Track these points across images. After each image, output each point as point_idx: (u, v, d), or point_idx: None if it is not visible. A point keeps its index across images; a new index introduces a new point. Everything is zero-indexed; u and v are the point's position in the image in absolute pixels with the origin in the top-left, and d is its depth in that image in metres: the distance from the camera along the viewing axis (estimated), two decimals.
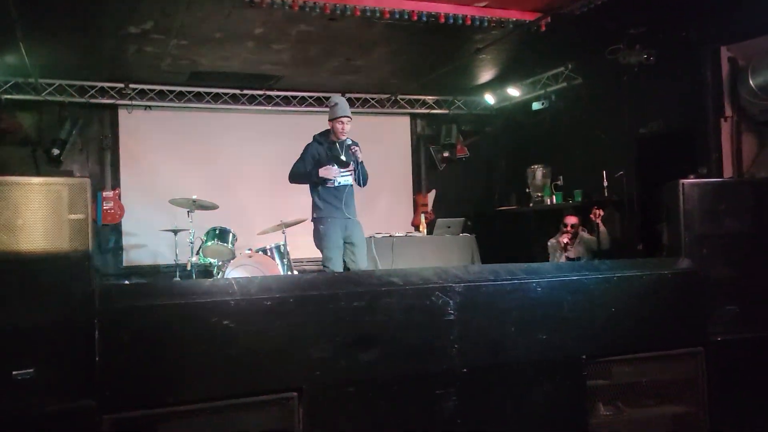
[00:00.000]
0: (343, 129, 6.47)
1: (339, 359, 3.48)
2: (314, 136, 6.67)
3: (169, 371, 3.19)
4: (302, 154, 6.57)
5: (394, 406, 3.61)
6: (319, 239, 6.52)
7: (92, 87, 9.41)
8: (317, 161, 6.49)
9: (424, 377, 3.69)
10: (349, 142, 6.47)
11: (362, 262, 6.58)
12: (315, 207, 6.56)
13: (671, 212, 4.68)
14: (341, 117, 6.45)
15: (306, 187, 6.67)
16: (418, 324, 3.69)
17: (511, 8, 7.02)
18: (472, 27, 7.08)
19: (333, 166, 6.43)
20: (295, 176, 6.56)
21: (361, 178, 6.60)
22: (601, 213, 7.93)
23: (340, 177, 6.50)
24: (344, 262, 6.58)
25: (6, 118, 9.03)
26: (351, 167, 6.50)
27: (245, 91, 10.11)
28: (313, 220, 6.59)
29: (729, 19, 6.90)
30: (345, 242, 6.55)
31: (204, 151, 10.07)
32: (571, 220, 8.16)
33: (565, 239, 8.16)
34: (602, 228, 7.97)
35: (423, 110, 11.27)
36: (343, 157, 6.48)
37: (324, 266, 6.52)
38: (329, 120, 6.55)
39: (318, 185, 6.49)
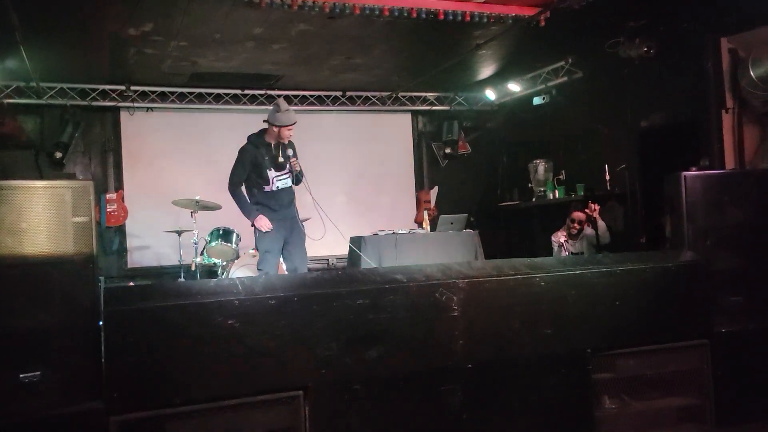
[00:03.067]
0: (290, 136, 6.41)
1: (344, 357, 3.50)
2: (250, 138, 6.53)
3: (176, 372, 3.21)
4: (239, 159, 6.42)
5: (399, 403, 3.62)
6: (257, 241, 6.53)
7: (93, 90, 9.42)
8: (255, 166, 6.39)
9: (430, 373, 3.70)
10: (290, 153, 6.41)
11: (301, 262, 6.56)
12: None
13: (674, 205, 4.68)
14: (291, 125, 6.37)
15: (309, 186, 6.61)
16: (422, 321, 3.70)
17: (511, 3, 7.01)
18: (472, 23, 7.07)
19: (263, 217, 6.38)
20: (233, 193, 6.43)
21: (296, 180, 6.60)
22: (598, 207, 7.93)
23: (278, 181, 6.47)
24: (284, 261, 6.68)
25: (8, 122, 9.04)
26: (288, 169, 6.47)
27: (246, 91, 10.11)
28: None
29: (729, 10, 6.88)
30: (285, 244, 6.54)
31: (206, 152, 10.06)
32: (579, 216, 8.13)
33: (562, 238, 8.15)
34: (601, 223, 7.96)
35: (424, 107, 11.26)
36: (281, 159, 6.41)
37: (258, 268, 6.50)
38: (275, 125, 6.35)
39: (254, 189, 6.46)
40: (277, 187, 6.46)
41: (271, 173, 6.42)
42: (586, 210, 7.92)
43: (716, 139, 7.21)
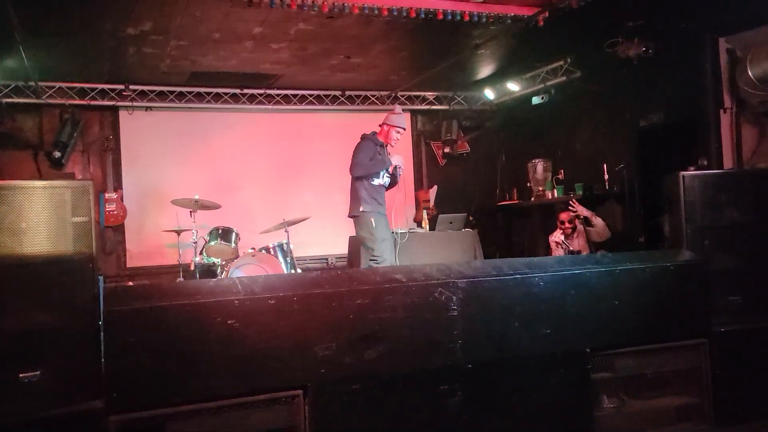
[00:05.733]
0: (397, 139, 7.02)
1: (343, 357, 3.50)
2: (368, 136, 6.95)
3: (175, 371, 3.21)
4: (365, 150, 6.83)
5: (399, 403, 3.63)
6: (368, 232, 6.72)
7: (93, 89, 9.40)
8: (371, 159, 6.83)
9: (429, 373, 3.71)
10: (399, 163, 7.02)
11: (391, 256, 6.90)
12: (361, 201, 6.76)
13: (672, 204, 4.69)
14: (400, 127, 6.99)
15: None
16: (421, 320, 3.70)
17: (509, 3, 7.01)
18: (471, 23, 7.07)
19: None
20: (362, 167, 6.77)
21: (391, 183, 7.12)
22: (576, 210, 8.02)
23: (384, 177, 6.94)
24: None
25: (7, 121, 9.03)
26: (390, 171, 6.99)
27: (245, 91, 10.10)
28: (361, 213, 6.74)
29: (727, 10, 6.88)
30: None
31: (205, 151, 10.07)
32: (566, 215, 8.21)
33: (559, 238, 8.21)
34: (597, 220, 8.05)
35: (423, 106, 11.26)
36: (393, 161, 6.97)
37: (373, 258, 6.65)
38: (389, 124, 6.96)
39: (365, 180, 6.77)
40: (383, 183, 6.93)
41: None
42: (570, 209, 8.05)
43: (714, 139, 7.23)
